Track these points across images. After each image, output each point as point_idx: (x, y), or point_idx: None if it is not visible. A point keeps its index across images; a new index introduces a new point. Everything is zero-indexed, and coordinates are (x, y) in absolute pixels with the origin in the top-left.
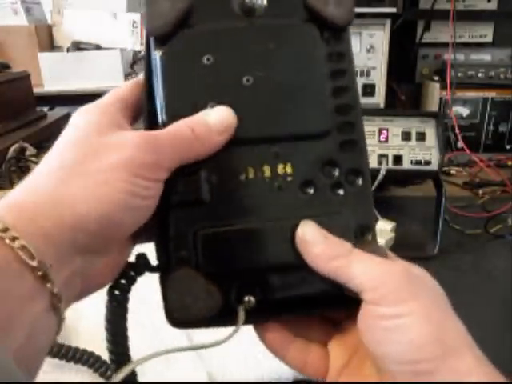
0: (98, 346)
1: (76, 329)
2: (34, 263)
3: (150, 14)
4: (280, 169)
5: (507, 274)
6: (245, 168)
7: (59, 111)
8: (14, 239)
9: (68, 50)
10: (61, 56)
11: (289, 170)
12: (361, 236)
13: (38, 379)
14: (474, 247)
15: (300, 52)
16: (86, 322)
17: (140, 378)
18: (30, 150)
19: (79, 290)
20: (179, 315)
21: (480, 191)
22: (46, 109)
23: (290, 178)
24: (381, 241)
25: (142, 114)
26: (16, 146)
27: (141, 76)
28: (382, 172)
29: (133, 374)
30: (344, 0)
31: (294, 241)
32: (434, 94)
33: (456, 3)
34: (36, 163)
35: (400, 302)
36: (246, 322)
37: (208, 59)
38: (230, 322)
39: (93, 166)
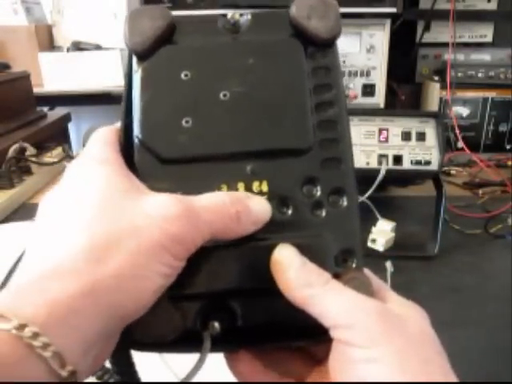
0: None
1: None
2: (65, 373)
3: (130, 31)
4: (255, 186)
5: (507, 274)
6: (218, 185)
7: (59, 111)
8: (45, 346)
9: (68, 50)
10: (61, 56)
11: (264, 187)
12: (343, 262)
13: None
14: (474, 247)
15: (280, 67)
16: None
17: None
18: (30, 150)
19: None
20: (137, 337)
21: (480, 191)
22: (45, 109)
23: (265, 197)
24: (381, 241)
25: (120, 128)
26: (16, 146)
27: (118, 124)
28: (382, 172)
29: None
30: (328, 14)
31: (267, 264)
32: (434, 93)
33: (456, 3)
34: (36, 163)
35: (371, 345)
36: (213, 350)
37: (186, 75)
38: (195, 348)
39: (131, 243)
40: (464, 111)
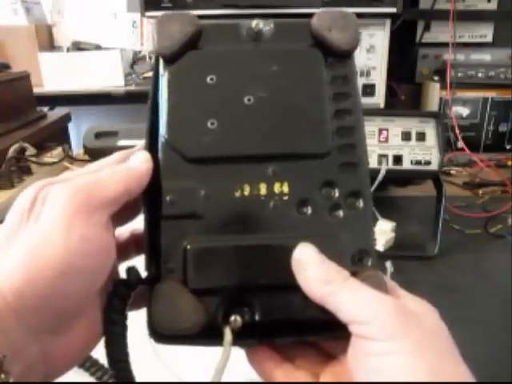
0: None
1: None
2: None
3: (159, 35)
4: (276, 187)
5: (507, 274)
6: (241, 184)
7: (59, 111)
8: None
9: (68, 50)
10: (61, 56)
11: (285, 188)
12: (359, 261)
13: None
14: (474, 247)
15: (302, 75)
16: None
17: None
18: (30, 150)
19: (43, 377)
20: (162, 329)
21: (480, 191)
22: (46, 109)
23: (286, 197)
24: (381, 241)
25: (145, 131)
26: (16, 146)
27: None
28: (382, 172)
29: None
30: (348, 26)
31: (287, 261)
32: (434, 94)
33: (456, 3)
34: (36, 163)
35: (390, 339)
36: (233, 344)
37: (211, 79)
38: (215, 342)
39: (28, 226)
40: (464, 111)
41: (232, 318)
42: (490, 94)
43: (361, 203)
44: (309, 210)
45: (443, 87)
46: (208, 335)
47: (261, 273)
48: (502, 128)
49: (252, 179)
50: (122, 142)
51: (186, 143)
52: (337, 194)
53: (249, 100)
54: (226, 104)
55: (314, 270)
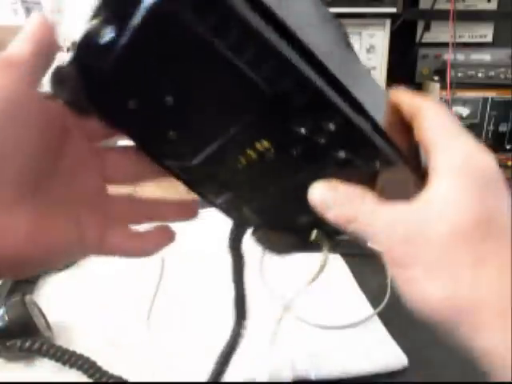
0: (94, 350)
1: (74, 331)
2: None
3: (68, 100)
4: (259, 147)
5: None
6: (238, 159)
7: None
8: None
9: (68, 50)
10: (61, 56)
11: (266, 144)
12: (371, 165)
13: (43, 379)
14: None
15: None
16: (85, 324)
17: None
18: None
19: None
20: (277, 252)
21: None
22: None
23: (272, 150)
24: None
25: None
26: None
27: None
28: None
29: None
30: None
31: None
32: (434, 94)
33: (456, 3)
34: None
35: (402, 267)
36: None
37: (132, 103)
38: (310, 249)
39: None
40: (464, 111)
41: (313, 233)
42: (490, 94)
43: (336, 115)
44: (299, 149)
45: (443, 87)
46: (305, 248)
47: (308, 209)
48: (502, 128)
49: (240, 152)
50: (122, 142)
51: (181, 160)
52: (310, 121)
53: (169, 102)
54: (160, 119)
55: (331, 214)
